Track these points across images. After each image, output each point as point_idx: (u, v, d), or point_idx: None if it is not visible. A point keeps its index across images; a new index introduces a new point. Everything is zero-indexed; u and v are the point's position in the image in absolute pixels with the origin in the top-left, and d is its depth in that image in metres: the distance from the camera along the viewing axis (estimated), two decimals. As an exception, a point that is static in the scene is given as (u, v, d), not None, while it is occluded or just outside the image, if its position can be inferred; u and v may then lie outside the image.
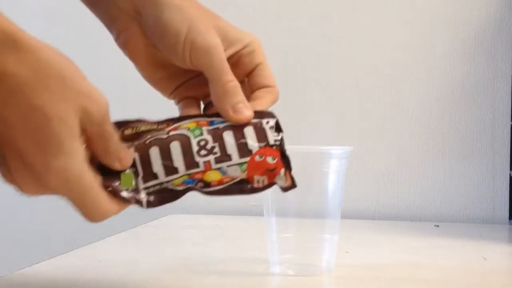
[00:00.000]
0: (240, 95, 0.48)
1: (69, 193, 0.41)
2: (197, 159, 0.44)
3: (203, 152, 0.44)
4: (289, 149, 0.57)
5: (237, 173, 0.44)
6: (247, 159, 0.44)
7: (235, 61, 0.51)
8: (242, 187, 0.44)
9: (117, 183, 0.43)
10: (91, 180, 0.41)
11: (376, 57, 1.04)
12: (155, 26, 0.49)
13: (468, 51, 1.01)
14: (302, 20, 1.06)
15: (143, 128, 0.47)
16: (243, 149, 0.45)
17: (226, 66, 0.48)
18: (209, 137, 0.45)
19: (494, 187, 0.99)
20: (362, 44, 1.04)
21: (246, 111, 0.47)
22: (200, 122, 0.46)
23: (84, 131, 0.41)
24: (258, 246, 0.68)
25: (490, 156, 1.00)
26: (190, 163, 0.44)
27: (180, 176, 0.44)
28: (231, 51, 0.50)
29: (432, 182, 1.01)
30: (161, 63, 0.51)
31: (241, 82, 0.51)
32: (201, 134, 0.45)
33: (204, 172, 0.44)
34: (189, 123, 0.46)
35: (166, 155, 0.44)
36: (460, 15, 1.01)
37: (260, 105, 0.50)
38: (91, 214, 0.42)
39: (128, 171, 0.44)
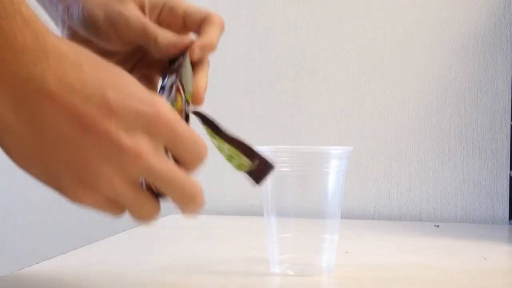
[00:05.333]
0: (168, 32, 0.51)
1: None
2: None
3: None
4: (289, 149, 0.57)
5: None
6: None
7: (165, 22, 0.53)
8: None
9: None
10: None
11: (376, 57, 1.04)
12: (78, 19, 0.51)
13: (468, 51, 1.01)
14: (302, 19, 1.06)
15: None
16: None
17: (151, 24, 0.51)
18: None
19: (494, 187, 0.99)
20: (362, 44, 1.04)
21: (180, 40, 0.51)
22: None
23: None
24: (258, 246, 0.69)
25: (490, 156, 1.00)
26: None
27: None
28: (155, 14, 0.53)
29: (432, 182, 1.01)
30: (103, 54, 0.51)
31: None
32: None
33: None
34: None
35: None
36: (460, 15, 1.01)
37: (210, 35, 0.51)
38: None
39: None
